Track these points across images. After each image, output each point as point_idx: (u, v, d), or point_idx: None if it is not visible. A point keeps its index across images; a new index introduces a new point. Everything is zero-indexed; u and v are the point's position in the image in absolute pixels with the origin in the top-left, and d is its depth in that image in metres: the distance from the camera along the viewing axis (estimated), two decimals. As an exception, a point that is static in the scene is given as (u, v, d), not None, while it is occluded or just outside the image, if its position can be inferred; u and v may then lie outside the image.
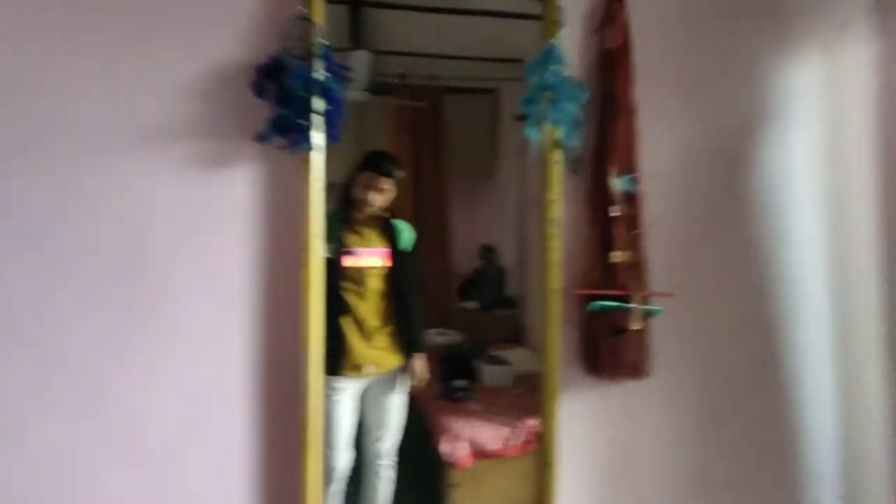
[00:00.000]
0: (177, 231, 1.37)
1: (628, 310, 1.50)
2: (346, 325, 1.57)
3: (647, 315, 1.53)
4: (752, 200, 1.66)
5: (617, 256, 1.51)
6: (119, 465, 1.33)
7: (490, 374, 2.27)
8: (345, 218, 1.59)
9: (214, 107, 1.38)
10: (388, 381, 1.64)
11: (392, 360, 1.65)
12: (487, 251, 2.98)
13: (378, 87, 2.11)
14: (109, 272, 1.33)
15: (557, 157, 1.51)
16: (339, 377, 1.55)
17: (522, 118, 2.40)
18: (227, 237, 1.40)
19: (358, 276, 1.58)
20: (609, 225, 1.52)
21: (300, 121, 1.34)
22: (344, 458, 1.57)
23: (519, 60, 2.39)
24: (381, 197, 1.57)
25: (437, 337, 2.32)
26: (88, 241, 1.32)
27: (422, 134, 2.26)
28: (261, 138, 1.36)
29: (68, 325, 1.31)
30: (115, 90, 1.33)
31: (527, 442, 1.84)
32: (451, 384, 1.99)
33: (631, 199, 1.53)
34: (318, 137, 1.37)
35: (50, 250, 1.30)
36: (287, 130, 1.36)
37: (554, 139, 1.49)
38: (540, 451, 1.56)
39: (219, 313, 1.39)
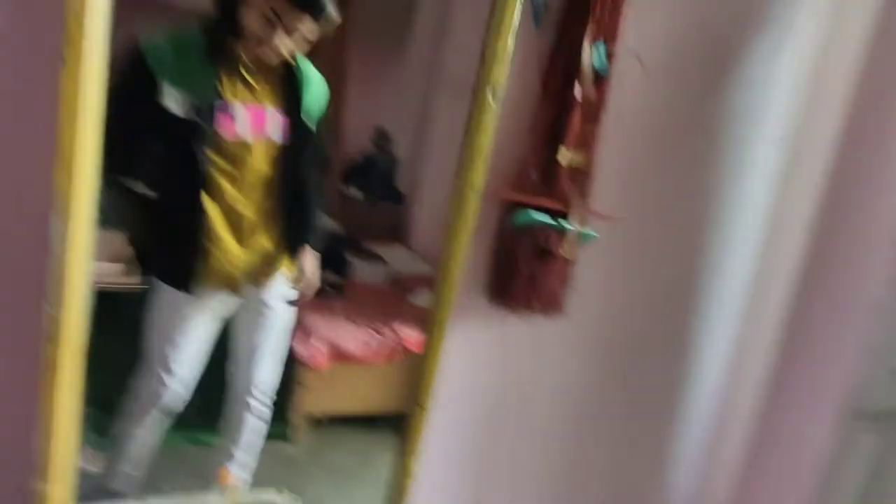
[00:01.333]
0: None
1: (563, 230, 1.14)
2: (214, 215, 1.03)
3: (582, 240, 1.18)
4: (721, 122, 1.34)
5: (566, 156, 1.10)
6: None
7: (363, 269, 2.06)
8: (219, 51, 0.97)
9: None
10: (269, 297, 1.17)
11: (275, 268, 1.16)
12: (382, 137, 2.61)
13: None
14: None
15: (518, -5, 1.00)
16: (196, 287, 1.05)
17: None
18: None
19: (237, 150, 1.01)
20: (565, 110, 1.09)
21: None
22: (178, 388, 1.11)
23: None
24: (290, 42, 0.97)
25: (313, 224, 2.10)
26: None
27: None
28: None
29: None
30: None
31: (394, 350, 1.63)
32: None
33: (599, 80, 1.10)
34: None
35: None
36: None
37: (520, -38, 0.97)
38: (414, 389, 1.21)
39: None
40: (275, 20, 0.93)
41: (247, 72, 1.00)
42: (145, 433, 1.14)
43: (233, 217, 1.05)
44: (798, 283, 1.50)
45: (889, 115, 1.34)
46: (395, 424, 1.76)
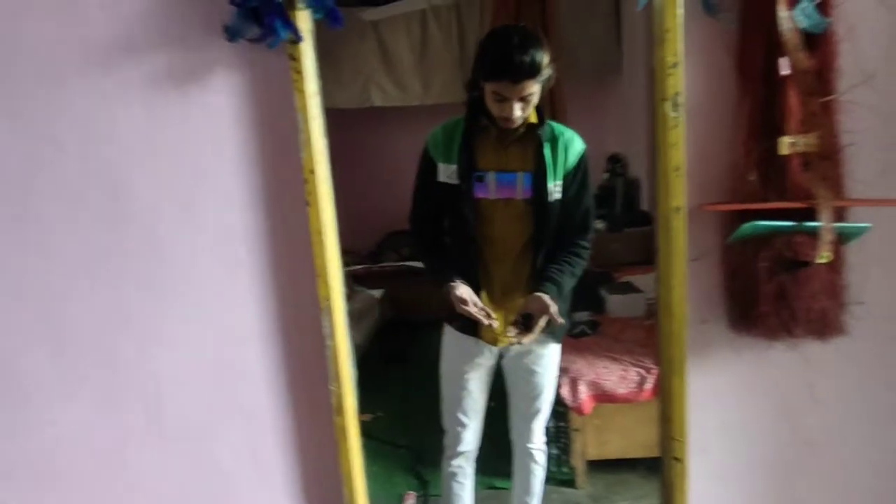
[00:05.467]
0: (155, 172, 1.08)
1: (812, 231, 0.91)
2: (481, 278, 1.17)
3: (844, 238, 0.93)
4: None
5: (789, 144, 0.90)
6: (144, 442, 1.16)
7: (617, 303, 2.04)
8: (473, 127, 1.13)
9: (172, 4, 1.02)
10: (536, 347, 1.23)
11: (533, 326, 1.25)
12: (615, 162, 2.57)
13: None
14: (94, 230, 1.10)
15: (677, -9, 0.91)
16: (471, 338, 1.20)
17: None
18: (212, 171, 1.07)
19: (493, 213, 1.14)
20: (775, 92, 0.91)
21: (270, -6, 0.92)
22: (469, 433, 1.28)
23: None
24: (524, 106, 1.05)
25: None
26: (71, 196, 1.09)
27: (527, 23, 1.81)
28: (231, 33, 0.98)
29: (72, 300, 1.12)
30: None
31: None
32: (571, 317, 1.71)
33: (815, 42, 0.89)
34: (303, 19, 0.96)
35: (33, 214, 1.10)
36: (258, 14, 0.95)
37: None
38: (664, 441, 1.09)
39: (222, 270, 1.11)
40: (504, 97, 1.03)
41: (499, 143, 1.12)
42: (459, 485, 1.31)
43: (488, 277, 1.16)
44: None
45: None
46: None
